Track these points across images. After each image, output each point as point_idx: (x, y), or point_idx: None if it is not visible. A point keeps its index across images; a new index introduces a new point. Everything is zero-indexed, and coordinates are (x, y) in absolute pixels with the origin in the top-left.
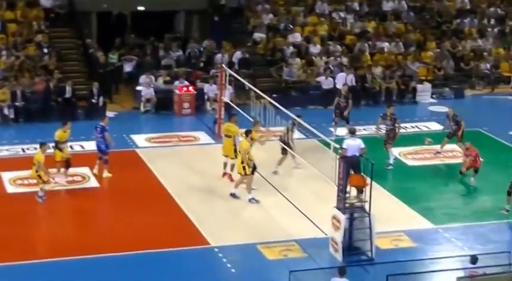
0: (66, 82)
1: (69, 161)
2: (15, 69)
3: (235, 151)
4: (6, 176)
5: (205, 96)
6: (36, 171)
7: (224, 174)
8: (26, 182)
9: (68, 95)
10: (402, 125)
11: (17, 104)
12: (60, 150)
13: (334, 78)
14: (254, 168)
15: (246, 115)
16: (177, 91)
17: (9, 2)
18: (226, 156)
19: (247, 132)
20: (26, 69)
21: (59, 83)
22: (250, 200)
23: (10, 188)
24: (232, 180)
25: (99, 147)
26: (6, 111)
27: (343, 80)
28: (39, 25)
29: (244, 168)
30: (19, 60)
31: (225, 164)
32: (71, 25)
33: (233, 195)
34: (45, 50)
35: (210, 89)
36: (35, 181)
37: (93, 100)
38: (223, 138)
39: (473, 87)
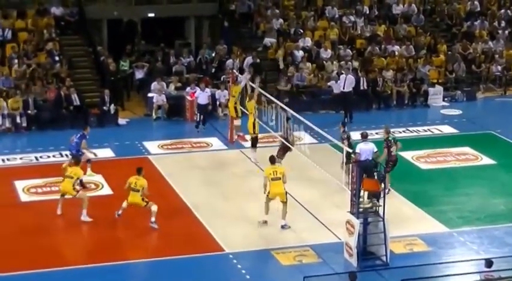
0: (70, 90)
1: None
2: (27, 77)
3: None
4: (20, 185)
5: (217, 102)
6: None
7: (238, 136)
8: (39, 190)
9: (75, 103)
10: (414, 128)
11: (29, 112)
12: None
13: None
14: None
15: (257, 120)
16: (188, 97)
17: (20, 11)
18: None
19: (271, 159)
20: (37, 78)
21: (70, 91)
22: (282, 226)
23: (24, 197)
24: (244, 140)
25: (71, 150)
26: (18, 119)
27: (343, 81)
28: (50, 33)
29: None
30: (30, 69)
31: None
32: (81, 33)
33: (283, 226)
34: (57, 58)
35: (221, 94)
36: (47, 189)
37: (105, 107)
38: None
39: (485, 89)
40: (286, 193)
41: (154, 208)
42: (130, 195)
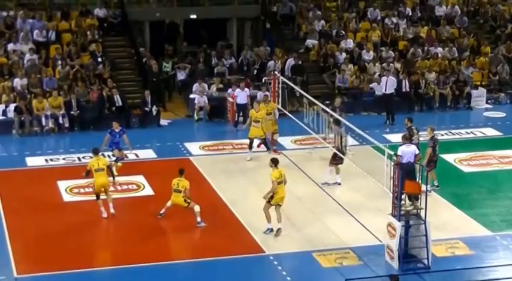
0: (113, 91)
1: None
2: (70, 78)
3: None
4: (63, 185)
5: None
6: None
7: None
8: (82, 191)
9: (118, 103)
10: (457, 131)
11: (72, 112)
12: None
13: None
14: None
15: (299, 122)
16: (230, 99)
17: (63, 12)
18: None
19: (275, 162)
20: (80, 79)
21: (112, 91)
22: (265, 232)
23: (66, 197)
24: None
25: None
26: (61, 120)
27: (384, 83)
28: (93, 34)
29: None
30: (74, 70)
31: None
32: (124, 34)
33: (278, 230)
34: (99, 59)
35: (262, 96)
36: (90, 190)
37: (146, 109)
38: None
39: None
40: None
41: (197, 208)
42: (173, 196)
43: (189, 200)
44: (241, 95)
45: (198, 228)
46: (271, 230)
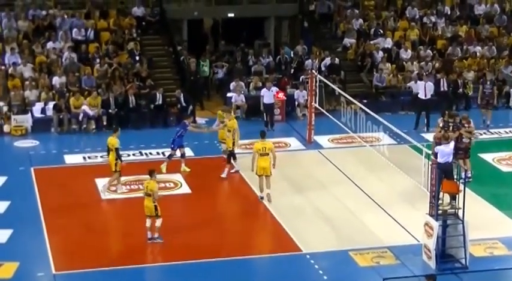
0: (158, 89)
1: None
2: (108, 76)
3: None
4: (101, 182)
5: (296, 103)
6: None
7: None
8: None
9: (158, 102)
10: (496, 130)
11: (110, 111)
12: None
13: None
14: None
15: (336, 121)
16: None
17: (102, 11)
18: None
19: (262, 134)
20: (118, 77)
21: (150, 90)
22: (267, 195)
23: (104, 195)
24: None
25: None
26: (82, 121)
27: (423, 88)
28: (131, 33)
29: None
30: (112, 68)
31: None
32: (162, 33)
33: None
34: (137, 58)
35: (300, 95)
36: (127, 188)
37: (178, 106)
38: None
39: None
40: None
41: (158, 222)
42: (145, 199)
43: (158, 211)
44: (267, 95)
45: (234, 226)
46: (262, 198)
